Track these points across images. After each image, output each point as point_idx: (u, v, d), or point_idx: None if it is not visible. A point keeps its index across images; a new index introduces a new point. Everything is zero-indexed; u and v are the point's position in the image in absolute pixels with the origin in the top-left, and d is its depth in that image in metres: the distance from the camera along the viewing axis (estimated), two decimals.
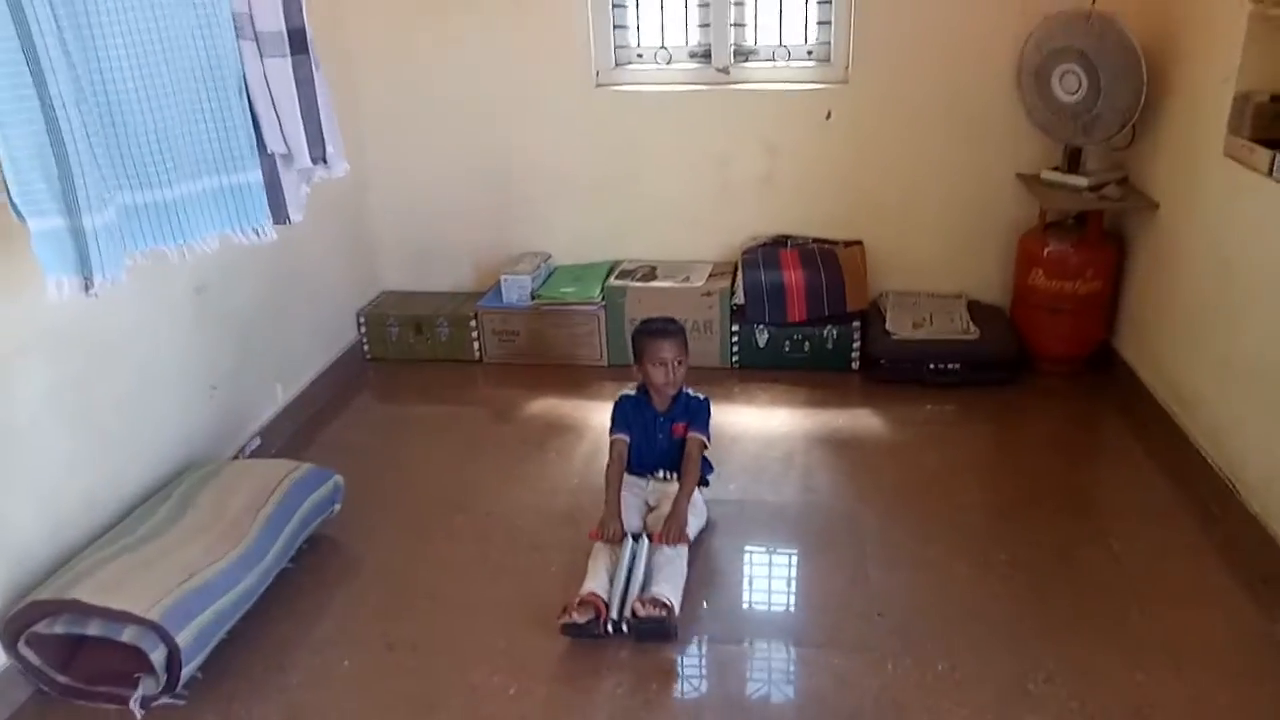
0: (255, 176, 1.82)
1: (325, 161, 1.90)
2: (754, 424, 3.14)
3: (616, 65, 3.57)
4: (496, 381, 3.58)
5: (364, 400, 3.52)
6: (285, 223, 1.93)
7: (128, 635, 1.96)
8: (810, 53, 3.47)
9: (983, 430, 3.12)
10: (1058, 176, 3.13)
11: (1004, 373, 3.27)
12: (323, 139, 1.87)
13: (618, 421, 2.54)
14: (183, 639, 1.97)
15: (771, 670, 2.09)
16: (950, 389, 3.26)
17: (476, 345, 3.67)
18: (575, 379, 3.53)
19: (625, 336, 3.51)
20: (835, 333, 3.40)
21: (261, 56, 1.77)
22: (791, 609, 2.29)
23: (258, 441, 3.02)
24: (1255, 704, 1.93)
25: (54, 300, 1.57)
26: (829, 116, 3.39)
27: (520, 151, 3.65)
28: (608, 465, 2.49)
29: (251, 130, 1.80)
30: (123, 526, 2.28)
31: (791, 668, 2.10)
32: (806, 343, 3.43)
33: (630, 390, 2.58)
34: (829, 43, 3.43)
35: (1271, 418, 2.29)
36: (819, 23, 3.43)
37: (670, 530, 2.32)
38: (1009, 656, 2.07)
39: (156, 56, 1.63)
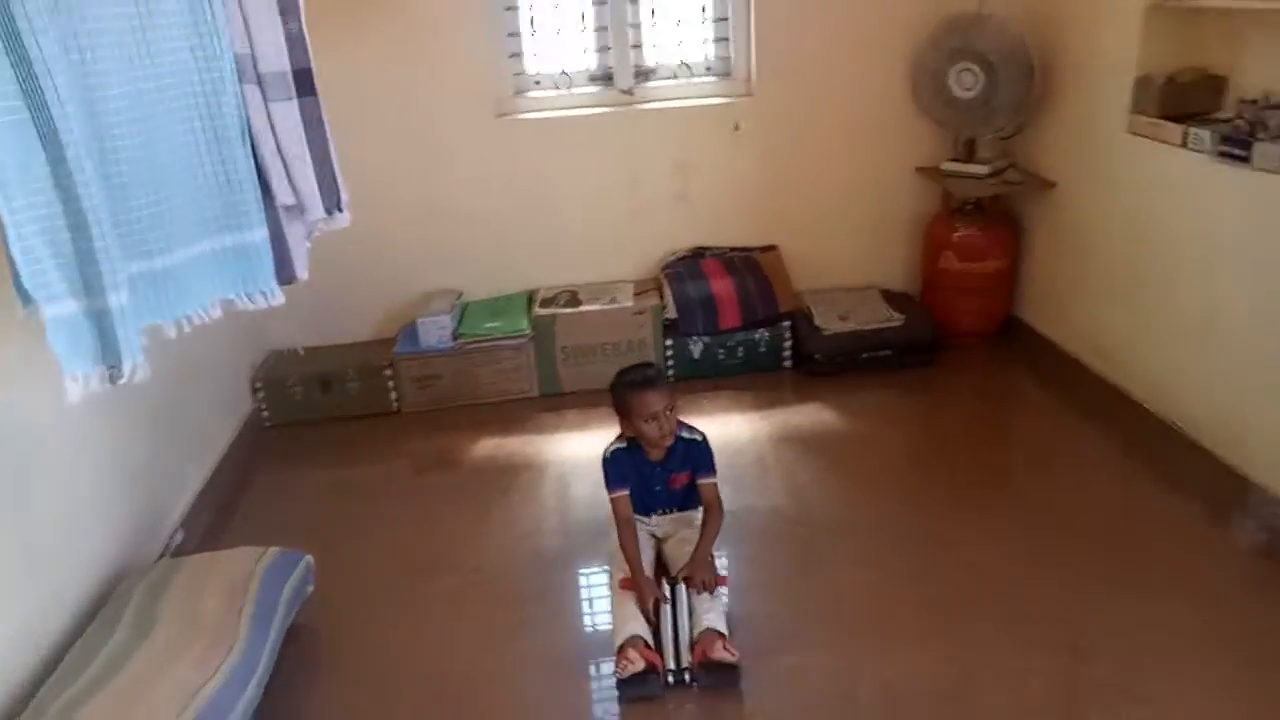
0: (261, 234, 1.58)
1: (340, 210, 1.69)
2: (714, 434, 3.00)
3: (516, 94, 3.45)
4: (425, 430, 3.34)
5: (281, 471, 3.17)
6: (290, 282, 1.70)
7: None
8: (709, 68, 3.51)
9: (927, 407, 3.28)
10: (959, 167, 3.35)
11: (928, 354, 3.44)
12: (336, 187, 1.67)
13: (616, 477, 2.32)
14: None
15: (850, 677, 2.05)
16: (881, 374, 3.40)
17: (393, 395, 3.42)
18: (509, 415, 3.36)
19: (557, 365, 3.41)
20: (767, 335, 3.45)
21: (266, 101, 1.55)
22: (843, 609, 2.27)
23: (180, 535, 2.64)
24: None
25: (74, 400, 1.29)
26: (737, 128, 3.45)
27: (420, 190, 3.43)
28: (618, 529, 2.30)
29: (257, 183, 1.57)
30: (76, 657, 1.92)
31: (869, 668, 2.06)
32: (740, 348, 3.45)
33: (620, 443, 2.38)
34: (728, 57, 3.49)
35: (1193, 355, 2.58)
36: (716, 39, 3.47)
37: (703, 581, 2.18)
38: (1054, 621, 2.15)
39: (155, 104, 1.38)
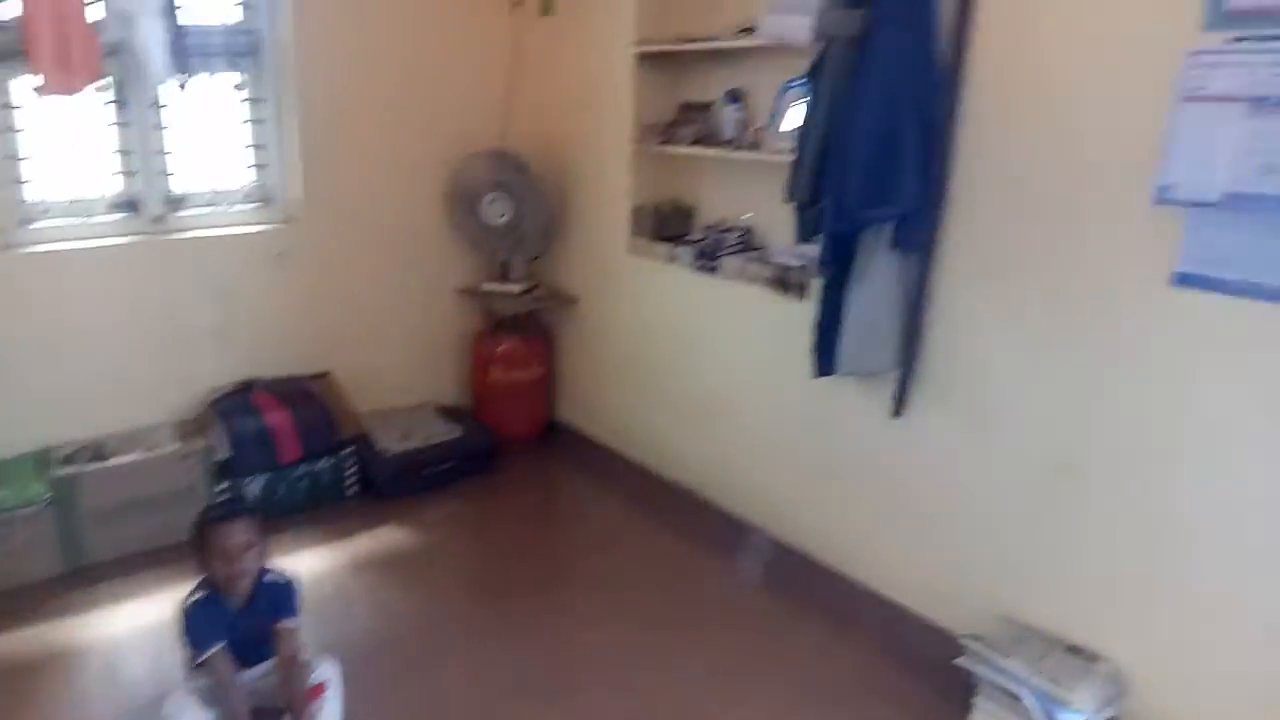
0: None
1: None
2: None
3: (21, 224, 3.02)
4: None
5: None
6: None
7: None
8: (247, 196, 3.43)
9: (494, 510, 3.47)
10: (496, 286, 3.69)
11: (487, 461, 3.67)
12: None
13: (202, 634, 2.10)
14: None
15: None
16: (446, 486, 3.54)
17: None
18: (25, 604, 2.80)
19: (89, 532, 2.98)
20: (330, 464, 3.39)
21: None
22: (454, 711, 2.33)
23: None
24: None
25: None
26: (280, 255, 3.40)
27: None
28: (223, 690, 2.08)
29: None
30: None
31: None
32: (303, 480, 3.34)
33: (198, 593, 2.16)
34: (267, 185, 3.45)
35: (692, 428, 3.21)
36: (255, 166, 3.42)
37: None
38: (631, 670, 2.47)
39: None
